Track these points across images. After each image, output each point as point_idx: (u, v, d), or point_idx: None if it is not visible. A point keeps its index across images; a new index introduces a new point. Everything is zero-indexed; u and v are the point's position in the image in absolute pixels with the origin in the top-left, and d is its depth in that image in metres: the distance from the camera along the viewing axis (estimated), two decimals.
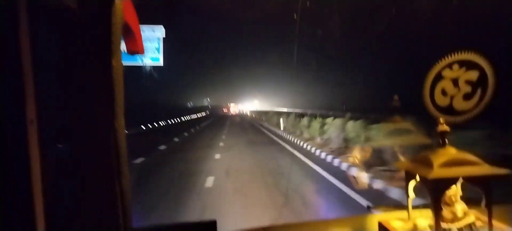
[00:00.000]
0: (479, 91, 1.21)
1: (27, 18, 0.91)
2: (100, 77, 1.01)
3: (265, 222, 2.04)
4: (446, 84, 1.24)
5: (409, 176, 1.28)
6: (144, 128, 35.06)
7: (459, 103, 1.23)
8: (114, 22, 1.01)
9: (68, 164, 1.02)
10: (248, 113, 69.32)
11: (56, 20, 1.00)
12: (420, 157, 1.24)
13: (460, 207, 1.21)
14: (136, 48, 1.26)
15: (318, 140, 18.60)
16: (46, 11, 0.99)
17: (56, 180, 1.00)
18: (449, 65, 1.23)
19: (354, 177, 10.03)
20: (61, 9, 0.99)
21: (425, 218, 1.26)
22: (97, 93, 1.02)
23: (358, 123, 14.81)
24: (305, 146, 18.15)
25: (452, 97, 1.24)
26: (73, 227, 1.02)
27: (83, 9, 0.99)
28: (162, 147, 19.74)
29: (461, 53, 1.21)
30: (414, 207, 1.32)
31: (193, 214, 7.21)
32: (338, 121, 16.96)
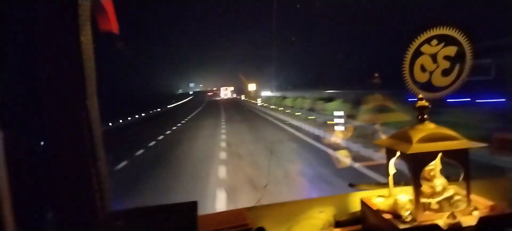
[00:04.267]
0: (457, 67, 1.21)
1: None
2: (69, 54, 0.95)
3: None
4: (425, 60, 1.24)
5: (390, 153, 1.29)
6: None
7: (438, 79, 1.23)
8: None
9: (37, 146, 0.97)
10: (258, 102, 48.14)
11: None
12: (400, 133, 1.25)
13: (439, 181, 1.23)
14: (109, 27, 1.20)
15: None
16: None
17: (24, 162, 0.95)
18: (428, 41, 1.23)
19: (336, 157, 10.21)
20: None
21: (405, 193, 1.27)
22: (66, 70, 0.96)
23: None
24: None
25: (431, 73, 1.24)
26: (47, 211, 0.98)
27: None
28: None
29: (439, 28, 1.21)
30: (396, 184, 1.33)
31: None
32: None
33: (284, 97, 36.81)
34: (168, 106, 52.89)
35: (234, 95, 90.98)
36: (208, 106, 52.77)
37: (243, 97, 74.42)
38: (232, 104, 55.93)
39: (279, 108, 31.48)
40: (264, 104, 43.02)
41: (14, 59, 0.95)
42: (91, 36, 1.00)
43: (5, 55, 0.93)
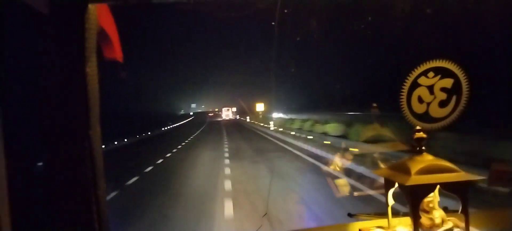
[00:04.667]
0: (454, 99, 1.23)
1: None
2: (74, 85, 0.97)
3: None
4: (422, 91, 1.26)
5: (388, 184, 1.28)
6: None
7: (435, 111, 1.25)
8: (88, 28, 0.98)
9: (39, 176, 0.97)
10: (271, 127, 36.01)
11: (26, 27, 0.96)
12: (398, 164, 1.25)
13: (438, 213, 1.22)
14: (114, 55, 1.23)
15: None
16: (16, 17, 0.95)
17: (26, 192, 0.95)
18: (425, 73, 1.25)
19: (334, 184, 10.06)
20: (31, 15, 0.95)
21: (404, 225, 1.26)
22: (71, 102, 0.98)
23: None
24: None
25: (428, 104, 1.25)
26: None
27: (55, 14, 0.95)
28: None
29: (436, 60, 1.23)
30: (394, 215, 1.32)
31: None
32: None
33: (315, 122, 25.35)
34: (162, 129, 47.12)
35: (237, 117, 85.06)
36: (207, 130, 42.81)
37: (248, 119, 61.99)
38: (237, 129, 42.80)
39: (309, 137, 21.10)
40: (280, 129, 31.08)
41: (19, 89, 0.97)
42: (97, 67, 1.02)
43: (10, 86, 0.95)
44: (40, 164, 0.98)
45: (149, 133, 37.30)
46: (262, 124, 42.59)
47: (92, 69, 0.99)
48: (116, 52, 1.23)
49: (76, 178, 0.98)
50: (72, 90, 0.97)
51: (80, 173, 0.98)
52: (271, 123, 37.70)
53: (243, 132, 35.55)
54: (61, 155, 0.97)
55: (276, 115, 45.99)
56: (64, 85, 0.97)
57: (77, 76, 0.97)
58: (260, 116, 49.53)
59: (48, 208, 0.97)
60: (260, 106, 54.00)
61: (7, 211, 0.87)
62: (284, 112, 46.04)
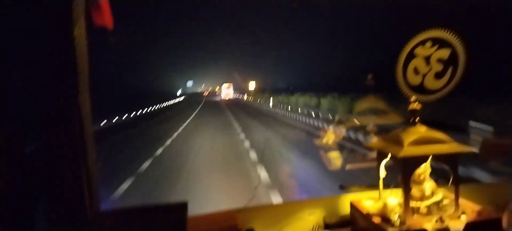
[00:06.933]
0: (450, 70, 1.20)
1: None
2: (61, 49, 0.93)
3: None
4: (418, 62, 1.23)
5: (381, 155, 1.28)
6: None
7: (431, 82, 1.22)
8: None
9: (25, 143, 0.94)
10: None
11: None
12: (391, 136, 1.24)
13: (428, 185, 1.23)
14: (103, 22, 1.18)
15: None
16: None
17: (12, 160, 0.93)
18: (422, 43, 1.22)
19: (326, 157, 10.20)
20: None
21: (395, 196, 1.26)
22: (58, 65, 0.94)
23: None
24: None
25: (424, 76, 1.23)
26: (34, 209, 0.96)
27: None
28: None
29: (433, 30, 1.20)
30: (385, 187, 1.33)
31: None
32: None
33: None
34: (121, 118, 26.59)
35: (237, 95, 75.44)
36: (199, 122, 23.94)
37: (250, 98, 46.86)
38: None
39: None
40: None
41: (3, 53, 0.93)
42: (86, 31, 0.98)
43: None
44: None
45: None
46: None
47: (80, 32, 0.95)
48: (106, 19, 1.18)
49: (65, 145, 0.96)
50: (60, 53, 0.94)
51: (69, 139, 0.95)
52: None
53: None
54: (49, 122, 0.95)
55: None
56: (51, 48, 0.93)
57: (65, 39, 0.93)
58: None
59: (37, 177, 0.95)
60: None
61: None
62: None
